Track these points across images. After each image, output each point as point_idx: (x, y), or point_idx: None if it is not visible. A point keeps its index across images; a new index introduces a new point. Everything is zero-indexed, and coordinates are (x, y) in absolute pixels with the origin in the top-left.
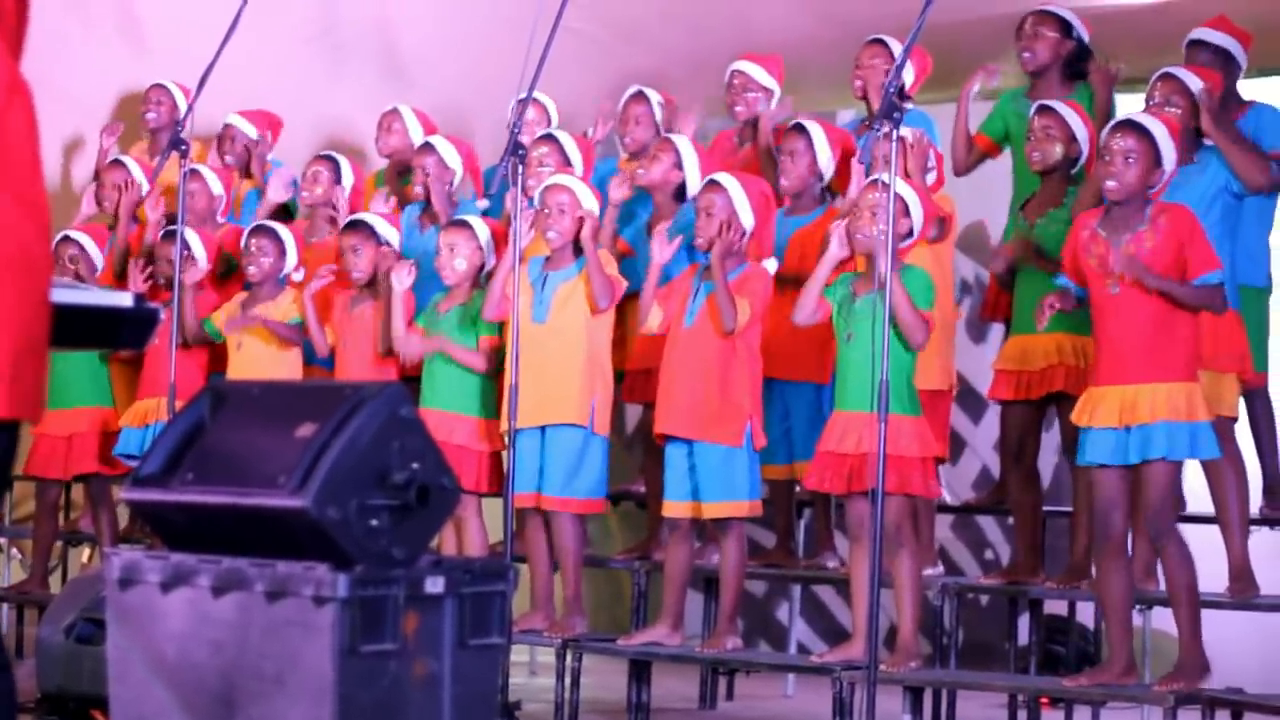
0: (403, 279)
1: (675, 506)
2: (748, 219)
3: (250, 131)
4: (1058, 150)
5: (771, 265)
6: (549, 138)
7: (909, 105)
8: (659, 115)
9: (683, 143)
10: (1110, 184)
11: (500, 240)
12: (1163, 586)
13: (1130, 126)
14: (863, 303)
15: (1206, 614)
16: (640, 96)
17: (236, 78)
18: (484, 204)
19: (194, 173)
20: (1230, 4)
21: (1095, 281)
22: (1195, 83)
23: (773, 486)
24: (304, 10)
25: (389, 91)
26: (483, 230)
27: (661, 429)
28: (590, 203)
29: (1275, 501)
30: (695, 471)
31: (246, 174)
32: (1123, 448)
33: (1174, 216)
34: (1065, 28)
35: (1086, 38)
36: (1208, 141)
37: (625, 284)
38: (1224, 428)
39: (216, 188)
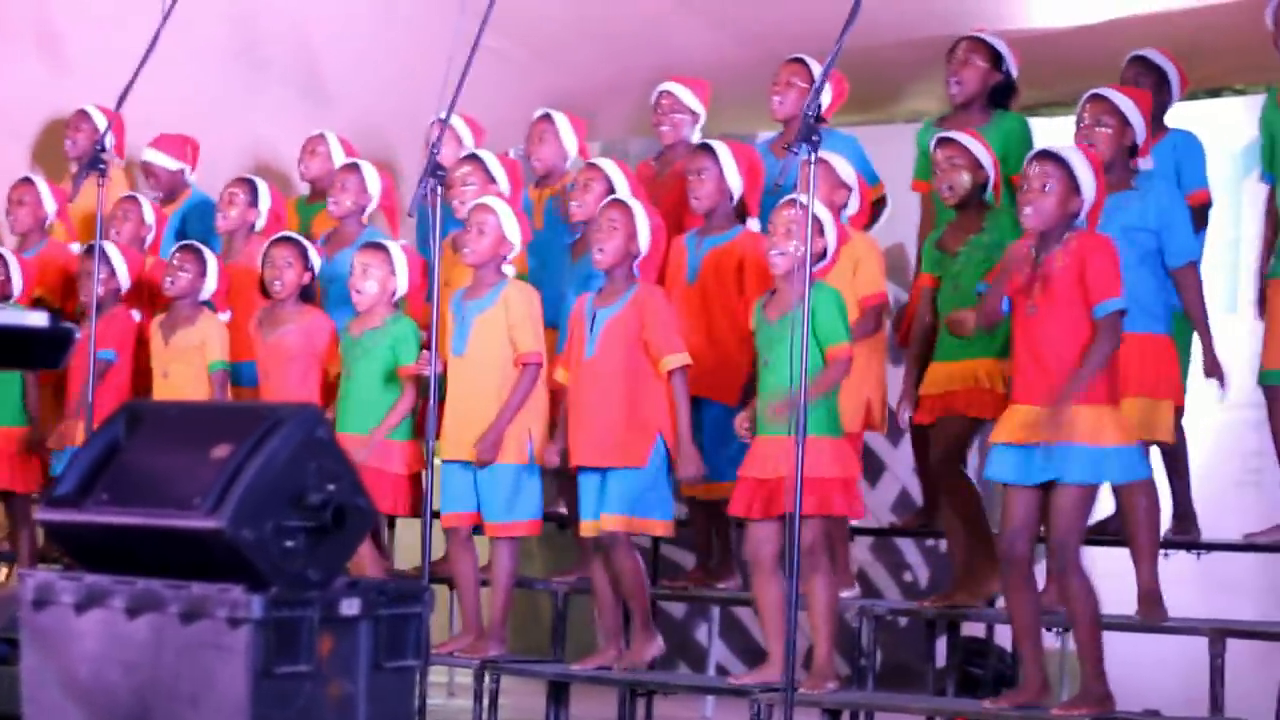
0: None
1: (588, 526)
2: (644, 241)
3: (169, 165)
4: (965, 179)
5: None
6: (472, 157)
7: (823, 128)
8: (565, 136)
9: (608, 165)
10: (1027, 211)
11: (417, 267)
12: None
13: (1046, 156)
14: (779, 325)
15: (1126, 637)
16: (546, 118)
17: (158, 97)
18: (401, 242)
19: (131, 198)
20: (1160, 28)
21: (1018, 302)
22: (1126, 103)
23: (691, 505)
24: (225, 30)
25: (310, 111)
26: (399, 255)
27: (578, 461)
28: (514, 233)
29: (1184, 527)
30: (605, 490)
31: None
32: (1027, 466)
33: (1087, 242)
34: (995, 58)
35: (1014, 71)
36: (1145, 165)
37: (543, 354)
38: (1141, 454)
39: (149, 217)
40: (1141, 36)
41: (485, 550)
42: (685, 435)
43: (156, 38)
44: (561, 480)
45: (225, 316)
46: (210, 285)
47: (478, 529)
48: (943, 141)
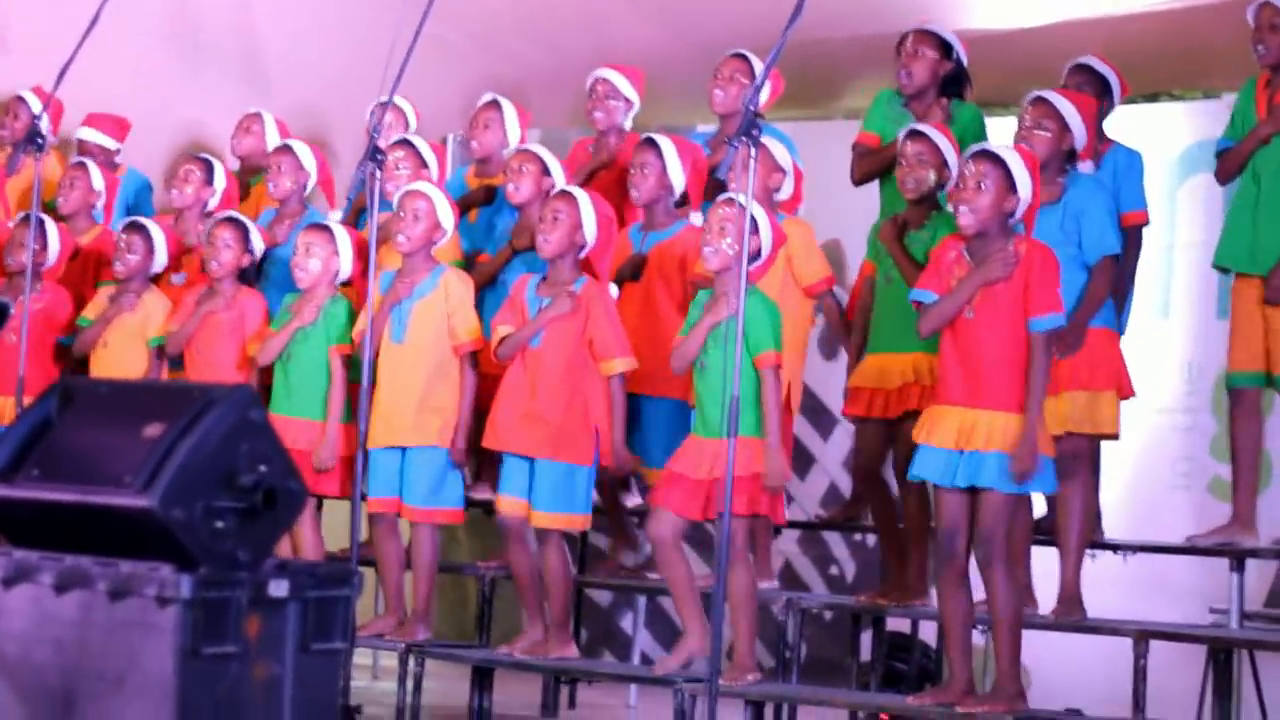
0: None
1: (510, 503)
2: (590, 233)
3: (106, 142)
4: (930, 177)
5: (612, 291)
6: (405, 142)
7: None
8: (509, 124)
9: (541, 150)
10: (962, 210)
11: (360, 250)
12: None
13: (983, 155)
14: (714, 328)
15: (1051, 636)
16: (494, 104)
17: (95, 77)
18: (337, 214)
19: (80, 165)
20: (1100, 32)
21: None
22: (1067, 107)
23: (612, 494)
24: (164, 11)
25: (248, 94)
26: (343, 236)
27: (505, 447)
28: (446, 217)
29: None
30: (534, 479)
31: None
32: (953, 469)
33: (1031, 251)
34: (945, 48)
35: (965, 59)
36: (1085, 169)
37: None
38: (1080, 449)
39: (98, 183)
40: (1082, 40)
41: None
42: (620, 438)
43: (96, 17)
44: (482, 462)
45: (180, 278)
46: (160, 260)
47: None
48: (914, 135)
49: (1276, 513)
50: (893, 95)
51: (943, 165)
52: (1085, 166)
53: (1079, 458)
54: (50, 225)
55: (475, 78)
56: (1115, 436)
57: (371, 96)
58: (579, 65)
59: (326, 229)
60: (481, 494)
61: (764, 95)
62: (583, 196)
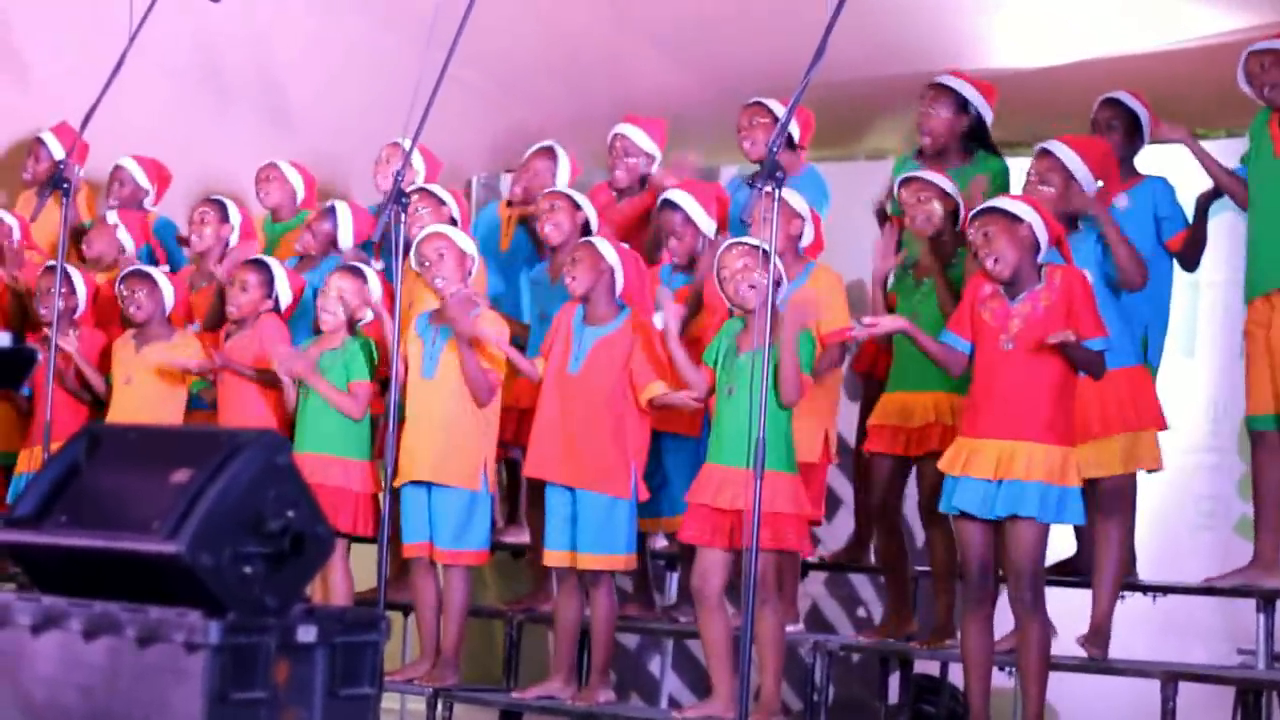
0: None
1: (557, 556)
2: (614, 260)
3: (140, 178)
4: (937, 208)
5: (658, 320)
6: (421, 190)
7: (803, 156)
8: (561, 176)
9: (574, 194)
10: (990, 264)
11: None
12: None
13: (978, 214)
14: (745, 357)
15: (1080, 678)
16: (550, 153)
17: (118, 120)
18: (379, 265)
19: (103, 220)
20: (1125, 70)
21: (988, 336)
22: (1074, 160)
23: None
24: (188, 54)
25: (272, 137)
26: (375, 285)
27: (541, 475)
28: (469, 246)
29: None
30: (577, 521)
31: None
32: (991, 500)
33: (1068, 278)
34: (960, 103)
35: (984, 108)
36: (1121, 204)
37: (501, 375)
38: (1124, 490)
39: (123, 236)
40: (1106, 79)
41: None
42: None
43: (122, 60)
44: (514, 505)
45: (194, 328)
46: (168, 299)
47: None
48: (905, 182)
49: None
50: (905, 161)
51: (944, 194)
52: (1121, 200)
53: (1120, 494)
54: (75, 274)
55: (498, 120)
56: (1158, 469)
57: (395, 140)
58: (601, 108)
59: (360, 274)
60: (513, 537)
61: (797, 131)
62: (600, 242)
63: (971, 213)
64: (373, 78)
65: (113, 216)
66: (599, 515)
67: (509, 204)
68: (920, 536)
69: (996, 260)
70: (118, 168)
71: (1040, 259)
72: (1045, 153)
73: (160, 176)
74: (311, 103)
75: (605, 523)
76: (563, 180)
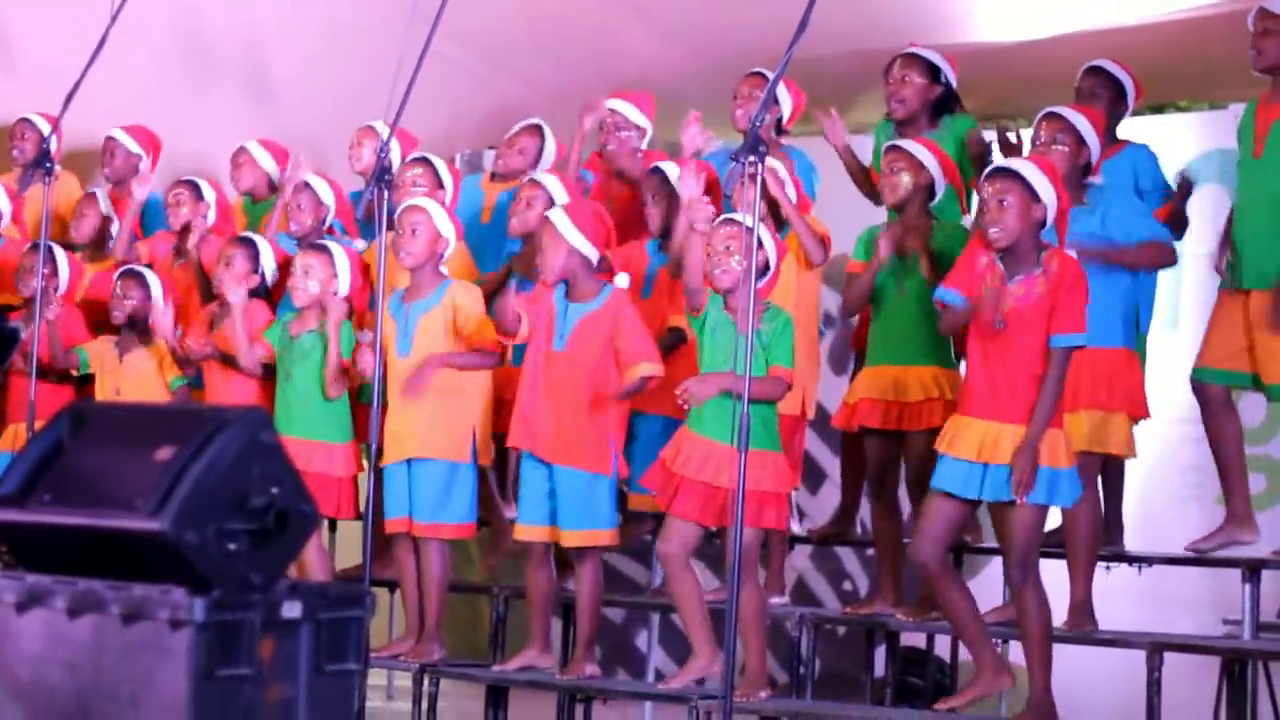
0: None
1: (530, 530)
2: (585, 246)
3: (131, 146)
4: (905, 180)
5: (623, 280)
6: (423, 160)
7: (785, 140)
8: (546, 155)
9: (549, 181)
10: (993, 231)
11: (361, 270)
12: None
13: (999, 173)
14: (726, 339)
15: (1065, 650)
16: (537, 131)
17: (102, 100)
18: (361, 244)
19: (90, 196)
20: (1107, 43)
21: (984, 310)
22: (1081, 122)
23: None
24: (170, 33)
25: (256, 115)
26: (341, 257)
27: (522, 445)
28: (446, 227)
29: (1112, 539)
30: (555, 497)
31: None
32: (974, 482)
33: (1063, 268)
34: (933, 72)
35: (954, 80)
36: (1096, 180)
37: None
38: (1088, 466)
39: (105, 207)
40: (1088, 52)
41: None
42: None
43: (103, 40)
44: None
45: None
46: (158, 304)
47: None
48: (889, 149)
49: None
50: (885, 126)
51: (918, 167)
52: (1096, 179)
53: (1085, 473)
54: (59, 252)
55: (482, 96)
56: (1127, 457)
57: (378, 116)
58: (588, 83)
59: (325, 250)
60: (512, 512)
61: (787, 111)
62: (560, 219)
63: (991, 168)
64: (355, 54)
65: (102, 196)
66: (579, 491)
67: (492, 177)
68: (907, 509)
69: (1000, 230)
70: (109, 139)
71: (1044, 229)
72: (1054, 115)
73: (152, 144)
74: (293, 80)
75: (587, 499)
76: (548, 158)
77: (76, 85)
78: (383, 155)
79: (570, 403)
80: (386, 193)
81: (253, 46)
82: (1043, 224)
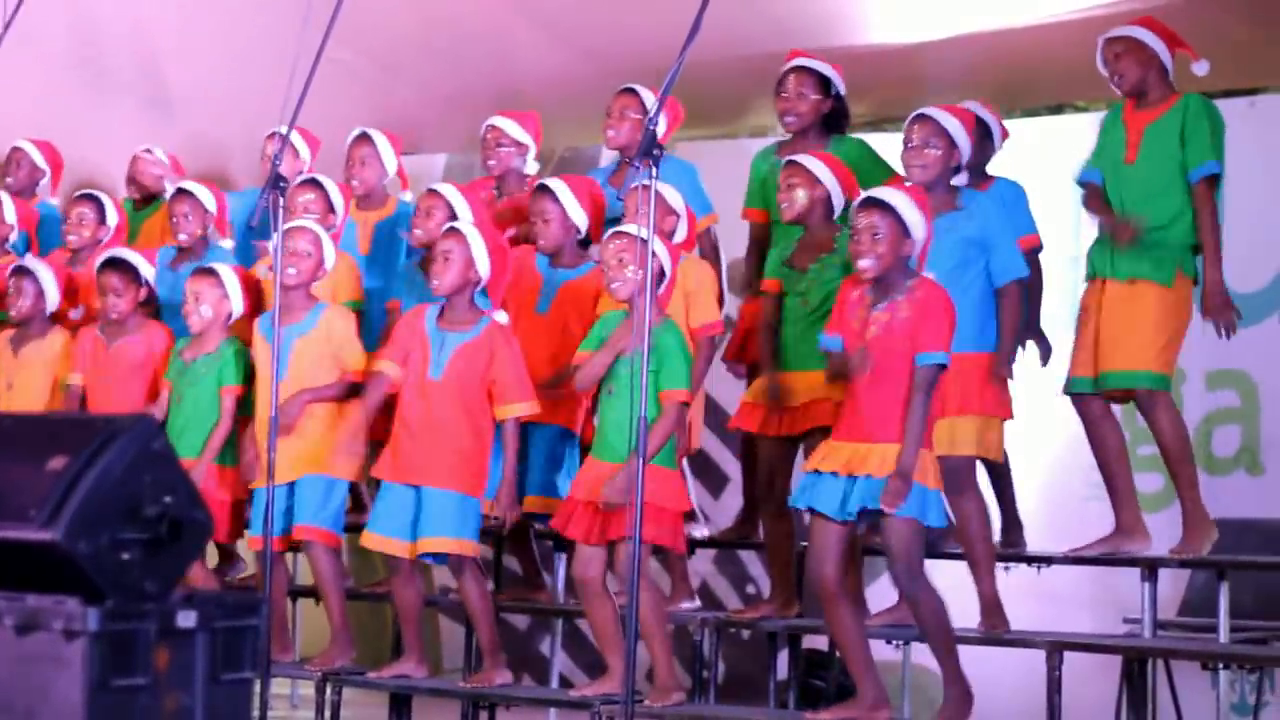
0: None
1: (380, 541)
2: (483, 267)
3: (38, 159)
4: (800, 196)
5: (502, 316)
6: (313, 183)
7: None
8: (384, 155)
9: (448, 191)
10: (863, 262)
11: (248, 287)
12: None
13: (872, 204)
14: (623, 358)
15: (965, 650)
16: (365, 138)
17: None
18: (229, 243)
19: None
20: (1002, 44)
21: (853, 342)
22: (952, 123)
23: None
24: (65, 39)
25: (151, 122)
26: (230, 278)
27: (398, 478)
28: (330, 256)
29: (1013, 539)
30: (422, 509)
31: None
32: (844, 496)
33: (928, 294)
34: (825, 85)
35: (844, 92)
36: (961, 181)
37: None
38: (968, 469)
39: (10, 216)
40: (983, 52)
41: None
42: (510, 480)
43: None
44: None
45: (78, 313)
46: (52, 300)
47: (294, 546)
48: (788, 164)
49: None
50: (765, 154)
51: (814, 182)
52: (962, 178)
53: (965, 471)
54: None
55: (378, 101)
56: (1000, 462)
57: (273, 123)
58: (482, 88)
59: (213, 272)
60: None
61: (662, 126)
62: (472, 233)
63: (864, 198)
64: (250, 61)
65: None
66: (450, 508)
67: (359, 207)
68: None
69: (872, 261)
70: (15, 149)
71: (911, 260)
72: (924, 117)
73: (55, 161)
74: (189, 88)
75: (457, 514)
76: (390, 161)
77: None
78: (277, 162)
79: (451, 432)
80: (281, 199)
81: (147, 53)
82: (909, 256)
